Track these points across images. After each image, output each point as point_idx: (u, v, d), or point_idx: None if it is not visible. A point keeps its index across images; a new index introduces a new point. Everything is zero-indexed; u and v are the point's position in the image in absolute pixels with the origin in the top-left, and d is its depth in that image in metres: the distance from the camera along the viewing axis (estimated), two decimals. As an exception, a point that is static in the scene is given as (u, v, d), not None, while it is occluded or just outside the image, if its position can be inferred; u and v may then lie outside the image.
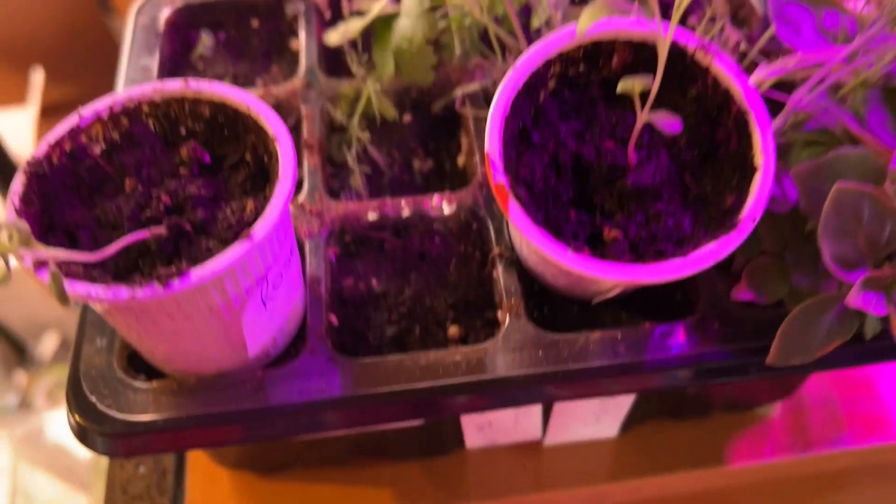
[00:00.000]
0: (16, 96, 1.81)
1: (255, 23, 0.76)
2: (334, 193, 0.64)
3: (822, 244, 0.47)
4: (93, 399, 0.51)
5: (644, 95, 0.46)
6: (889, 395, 0.72)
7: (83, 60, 1.90)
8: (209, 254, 0.44)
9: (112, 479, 0.69)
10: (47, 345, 1.85)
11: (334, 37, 0.67)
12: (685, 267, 0.44)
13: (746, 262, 0.55)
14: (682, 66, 0.50)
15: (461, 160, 0.68)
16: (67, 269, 0.43)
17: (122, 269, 0.46)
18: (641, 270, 0.44)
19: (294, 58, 0.74)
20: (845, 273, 0.47)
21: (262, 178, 0.49)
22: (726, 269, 0.58)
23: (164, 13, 0.73)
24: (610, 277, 0.45)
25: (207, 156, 0.50)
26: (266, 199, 0.46)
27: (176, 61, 0.73)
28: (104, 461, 1.64)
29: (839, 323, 0.49)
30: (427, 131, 0.69)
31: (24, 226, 0.39)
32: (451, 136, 0.69)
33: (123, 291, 0.42)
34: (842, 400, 0.71)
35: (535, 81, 0.49)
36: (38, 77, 1.78)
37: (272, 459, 0.68)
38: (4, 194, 1.11)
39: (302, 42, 0.71)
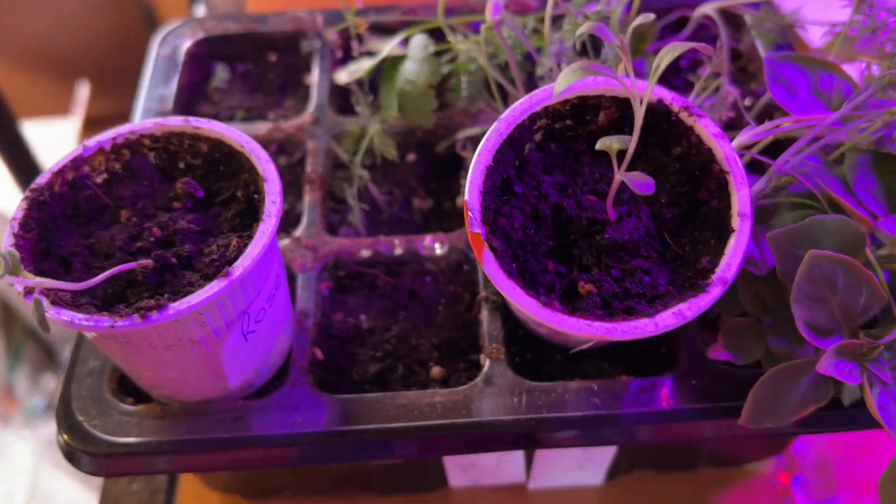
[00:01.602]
0: (61, 108, 1.87)
1: (272, 57, 0.78)
2: (333, 228, 0.66)
3: (794, 310, 0.47)
4: (80, 419, 0.53)
5: (622, 153, 0.47)
6: (886, 461, 0.70)
7: (128, 74, 1.95)
8: (190, 288, 0.46)
9: (106, 493, 0.71)
10: (76, 350, 1.89)
11: (343, 76, 0.69)
12: (652, 327, 0.45)
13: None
14: (667, 125, 0.51)
15: (460, 201, 0.69)
16: (55, 297, 0.45)
17: (111, 297, 0.48)
18: (608, 328, 0.45)
19: (307, 93, 0.76)
20: (818, 340, 0.47)
21: (251, 215, 0.51)
22: (711, 325, 0.58)
23: (186, 44, 0.76)
24: (576, 333, 0.45)
25: (201, 191, 0.52)
26: (250, 238, 0.48)
27: (192, 91, 0.75)
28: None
29: (814, 388, 0.49)
30: (429, 171, 0.71)
31: (14, 254, 0.41)
32: (452, 177, 0.70)
33: (104, 321, 0.44)
34: (836, 461, 0.71)
35: (519, 134, 0.51)
36: (83, 90, 1.84)
37: (261, 485, 0.69)
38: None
39: (314, 79, 0.73)
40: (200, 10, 1.10)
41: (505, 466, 0.65)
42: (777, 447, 0.70)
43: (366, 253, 0.62)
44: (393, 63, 0.66)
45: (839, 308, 0.47)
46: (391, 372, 0.58)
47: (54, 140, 1.80)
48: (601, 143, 0.46)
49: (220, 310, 0.47)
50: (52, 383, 1.85)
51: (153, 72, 0.74)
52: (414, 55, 0.65)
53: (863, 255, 0.48)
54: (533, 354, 0.58)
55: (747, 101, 0.70)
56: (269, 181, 0.49)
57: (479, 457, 0.64)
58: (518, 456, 0.64)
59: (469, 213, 0.48)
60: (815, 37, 0.68)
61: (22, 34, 1.84)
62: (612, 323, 0.45)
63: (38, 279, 0.43)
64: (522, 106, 0.50)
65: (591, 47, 0.65)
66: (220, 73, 0.73)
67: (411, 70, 0.64)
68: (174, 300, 0.45)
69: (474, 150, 0.67)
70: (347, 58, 0.73)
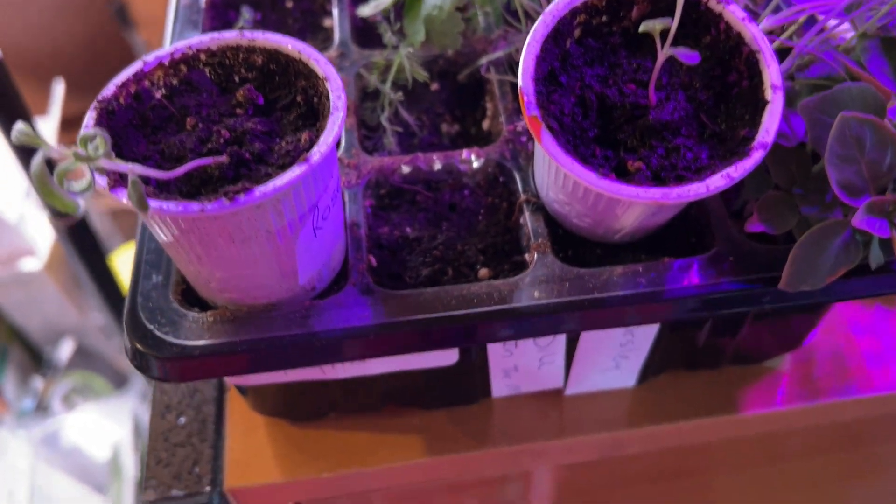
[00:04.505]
0: (38, 108, 1.86)
1: (289, 3, 0.81)
2: (369, 152, 0.69)
3: (828, 171, 0.51)
4: (150, 327, 0.55)
5: (663, 35, 0.51)
6: (891, 348, 0.75)
7: (103, 73, 1.95)
8: (268, 178, 0.49)
9: (154, 429, 0.72)
10: (64, 351, 1.88)
11: (367, 9, 0.72)
12: (704, 188, 0.49)
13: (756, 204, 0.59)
14: (696, 15, 0.55)
15: (486, 124, 0.72)
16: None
17: (186, 195, 0.50)
18: (664, 192, 0.49)
19: (327, 35, 0.78)
20: (850, 199, 0.52)
21: (312, 117, 0.54)
22: (737, 214, 0.62)
23: (205, -6, 0.78)
24: (633, 199, 0.49)
25: (262, 98, 0.55)
26: (319, 131, 0.51)
27: (216, 37, 0.77)
28: (122, 462, 1.65)
29: (845, 250, 0.53)
30: (453, 98, 0.74)
31: (107, 136, 0.43)
32: (475, 102, 0.74)
33: (193, 206, 0.46)
34: (847, 352, 0.75)
35: (562, 28, 0.54)
36: (58, 89, 1.83)
37: (306, 408, 0.71)
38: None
39: (335, 18, 0.76)
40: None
41: (546, 369, 0.68)
42: (794, 342, 0.74)
43: (406, 169, 0.65)
44: (416, -7, 0.70)
45: (867, 167, 0.51)
46: (442, 274, 0.61)
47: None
48: (645, 26, 0.50)
49: (295, 199, 0.49)
50: (40, 385, 1.84)
51: (175, 20, 0.76)
52: (438, -17, 0.68)
53: (884, 119, 0.53)
54: (574, 251, 0.62)
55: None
56: (331, 79, 0.52)
57: (522, 358, 0.67)
58: (559, 357, 0.67)
59: (524, 97, 0.51)
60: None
61: (-5, 34, 1.83)
62: (666, 187, 0.49)
63: (131, 165, 0.45)
64: (564, 0, 0.54)
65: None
66: (245, 15, 0.76)
67: (437, -4, 0.67)
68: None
69: (498, 73, 0.70)
70: (366, -5, 0.76)
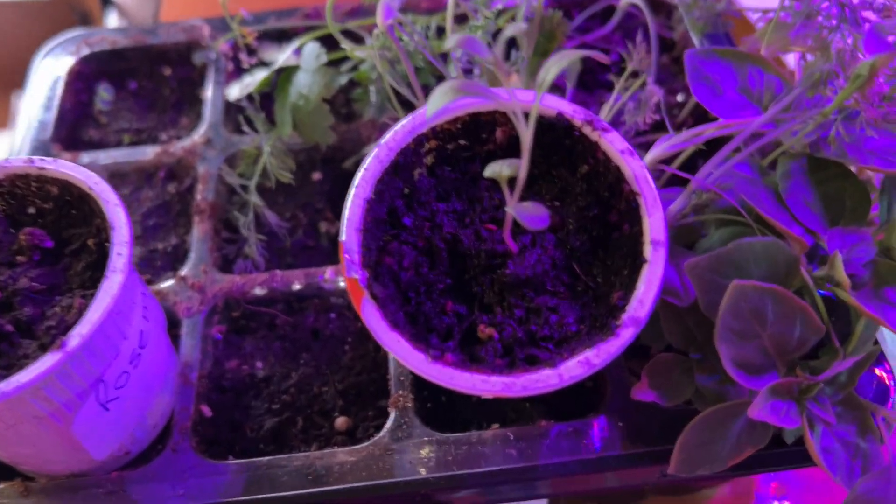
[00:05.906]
0: (-1, 120, 1.78)
1: (167, 71, 0.72)
2: (228, 262, 0.59)
3: (719, 348, 0.41)
4: (-65, 503, 0.47)
5: (516, 179, 0.41)
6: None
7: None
8: (25, 361, 0.40)
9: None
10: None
11: (234, 91, 0.62)
12: (556, 379, 0.39)
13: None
14: (570, 141, 0.45)
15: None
16: None
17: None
18: (506, 384, 0.39)
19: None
20: (749, 380, 0.42)
21: (103, 267, 0.45)
22: (641, 353, 0.52)
23: (69, 62, 0.69)
24: (470, 391, 0.39)
25: (50, 241, 0.46)
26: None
27: (78, 114, 0.68)
28: None
29: (750, 430, 0.44)
30: (337, 190, 0.64)
31: None
32: (363, 195, 0.64)
33: (-81, 409, 0.38)
34: (787, 480, 0.65)
35: (405, 160, 0.44)
36: (19, 100, 1.76)
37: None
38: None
39: (208, 95, 0.67)
40: (113, 19, 1.03)
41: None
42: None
43: (260, 291, 0.56)
44: (287, 75, 0.60)
45: (771, 342, 0.41)
46: (290, 426, 0.52)
47: (-9, 154, 1.72)
48: (489, 171, 0.40)
49: (63, 383, 0.41)
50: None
51: (32, 95, 0.68)
52: (306, 66, 0.58)
53: (798, 279, 0.42)
54: (448, 397, 0.53)
55: (680, 97, 0.65)
56: (117, 229, 0.43)
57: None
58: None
59: (346, 255, 0.42)
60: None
61: (-51, 47, 1.75)
62: (510, 376, 0.39)
63: None
64: (405, 128, 0.44)
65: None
66: (103, 95, 0.67)
67: (304, 82, 0.58)
68: (5, 377, 0.38)
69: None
70: (242, 70, 0.66)
